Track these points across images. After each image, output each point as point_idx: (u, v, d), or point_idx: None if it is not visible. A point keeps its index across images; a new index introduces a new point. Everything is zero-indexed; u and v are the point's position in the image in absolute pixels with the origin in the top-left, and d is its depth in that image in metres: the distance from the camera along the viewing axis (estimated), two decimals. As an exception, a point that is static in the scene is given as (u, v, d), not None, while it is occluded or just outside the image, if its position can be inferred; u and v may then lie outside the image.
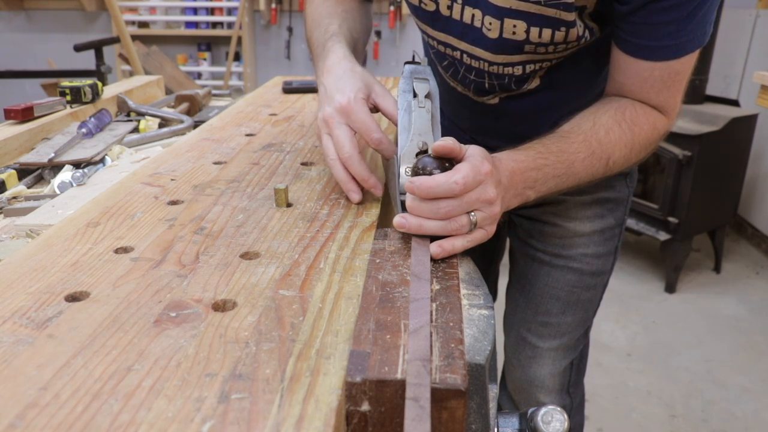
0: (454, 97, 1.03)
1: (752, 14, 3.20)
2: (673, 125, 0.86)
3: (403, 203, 0.67)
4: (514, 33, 0.82)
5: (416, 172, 0.65)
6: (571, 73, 0.92)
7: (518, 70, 0.89)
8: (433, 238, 0.64)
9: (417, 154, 0.70)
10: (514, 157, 0.73)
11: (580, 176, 0.79)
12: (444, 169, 0.64)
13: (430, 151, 0.67)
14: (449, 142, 0.64)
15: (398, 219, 0.64)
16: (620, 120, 0.81)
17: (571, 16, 0.78)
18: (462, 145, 0.66)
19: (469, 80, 0.95)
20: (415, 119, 0.72)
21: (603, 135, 0.79)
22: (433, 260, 0.63)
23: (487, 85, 0.94)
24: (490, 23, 0.83)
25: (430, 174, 0.63)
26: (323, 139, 0.76)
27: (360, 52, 0.95)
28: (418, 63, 0.81)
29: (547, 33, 0.81)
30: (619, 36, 0.80)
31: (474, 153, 0.65)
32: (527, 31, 0.81)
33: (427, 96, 0.74)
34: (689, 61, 0.79)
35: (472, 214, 0.64)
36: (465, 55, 0.90)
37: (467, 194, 0.63)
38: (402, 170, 0.70)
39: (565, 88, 0.94)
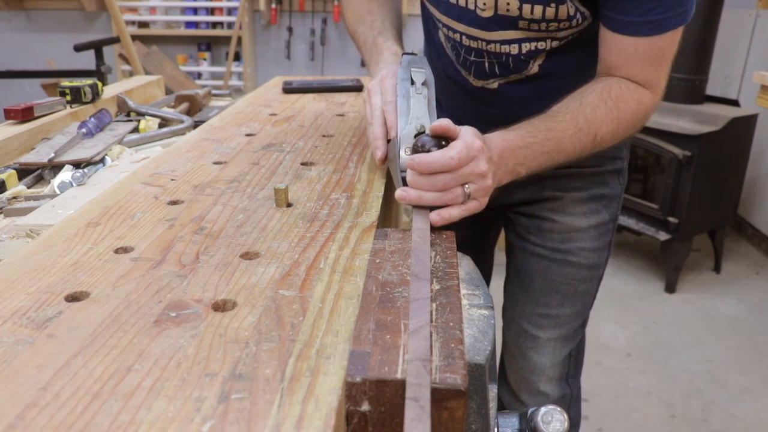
0: (454, 85, 1.07)
1: (752, 14, 3.20)
2: (659, 101, 0.91)
3: (404, 179, 0.74)
4: (507, 10, 0.88)
5: (416, 149, 0.72)
6: (569, 61, 0.96)
7: (514, 49, 0.93)
8: (433, 214, 0.70)
9: (415, 136, 0.76)
10: (504, 137, 0.79)
11: (568, 152, 0.84)
12: (440, 147, 0.70)
13: (427, 131, 0.74)
14: (445, 123, 0.71)
15: (399, 192, 0.72)
16: (606, 98, 0.85)
17: None
18: (456, 125, 0.72)
19: (469, 62, 1.00)
20: (413, 104, 0.79)
21: (590, 112, 0.84)
22: (433, 229, 0.69)
23: (486, 65, 0.98)
24: (484, 3, 0.88)
25: (428, 151, 0.70)
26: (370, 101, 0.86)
27: (401, 37, 1.06)
28: (415, 54, 0.89)
29: (538, 9, 0.86)
30: (605, 15, 0.85)
31: (467, 131, 0.72)
32: (520, 8, 0.87)
33: (424, 83, 0.81)
34: (673, 37, 0.83)
35: (466, 186, 0.71)
36: (464, 37, 0.95)
37: (461, 168, 0.69)
38: (402, 151, 0.76)
39: (563, 76, 0.97)
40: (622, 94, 0.86)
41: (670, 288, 2.78)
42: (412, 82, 0.81)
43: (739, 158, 2.83)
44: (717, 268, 2.96)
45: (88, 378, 0.43)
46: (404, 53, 0.89)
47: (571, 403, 1.22)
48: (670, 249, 2.72)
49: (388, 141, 0.83)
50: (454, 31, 0.96)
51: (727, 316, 2.62)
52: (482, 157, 0.71)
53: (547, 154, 0.82)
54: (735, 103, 2.82)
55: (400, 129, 0.78)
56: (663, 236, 2.72)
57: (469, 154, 0.69)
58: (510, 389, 1.22)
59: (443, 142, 0.71)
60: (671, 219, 2.68)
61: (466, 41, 0.96)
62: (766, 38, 3.13)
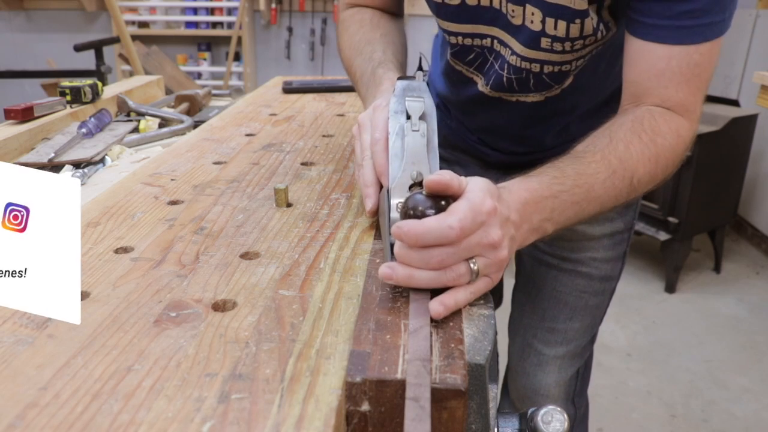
0: (466, 95, 1.00)
1: (752, 14, 3.19)
2: (695, 132, 0.77)
3: (392, 247, 0.56)
4: (532, 22, 0.79)
5: (406, 213, 0.54)
6: (587, 78, 0.90)
7: (536, 68, 0.85)
8: (434, 293, 0.53)
9: (411, 186, 0.61)
10: (526, 186, 0.63)
11: (602, 200, 0.69)
12: (439, 209, 0.53)
13: (424, 184, 0.56)
14: (445, 177, 0.54)
15: (384, 269, 0.54)
16: (640, 131, 0.72)
17: (584, 4, 0.75)
18: (461, 178, 0.56)
19: (492, 71, 0.91)
20: (408, 145, 0.63)
21: (623, 150, 0.70)
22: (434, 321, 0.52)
23: (505, 80, 0.90)
24: (513, 10, 0.80)
25: (422, 215, 0.53)
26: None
27: (404, 72, 0.92)
28: (413, 78, 0.74)
29: (562, 25, 0.77)
30: (632, 19, 0.74)
31: (475, 187, 0.55)
32: (543, 21, 0.78)
33: (422, 117, 0.65)
34: (710, 52, 0.72)
35: (473, 261, 0.53)
36: (495, 41, 0.87)
37: (465, 239, 0.52)
38: (393, 204, 0.60)
39: (580, 93, 0.92)
40: (657, 125, 0.72)
41: (670, 288, 2.78)
42: (408, 116, 0.65)
43: (739, 158, 2.83)
44: (717, 268, 2.96)
45: (88, 378, 0.43)
46: (399, 77, 0.74)
47: (576, 422, 1.18)
48: (670, 249, 2.72)
49: (382, 187, 0.67)
50: (484, 37, 0.87)
51: (727, 316, 2.62)
52: (494, 222, 0.54)
53: (578, 204, 0.66)
54: (735, 103, 2.82)
55: (391, 177, 0.62)
56: (663, 236, 2.72)
57: (475, 219, 0.52)
58: (513, 406, 1.19)
59: (443, 202, 0.53)
60: (671, 219, 2.68)
61: (497, 46, 0.87)
62: (766, 38, 3.13)
